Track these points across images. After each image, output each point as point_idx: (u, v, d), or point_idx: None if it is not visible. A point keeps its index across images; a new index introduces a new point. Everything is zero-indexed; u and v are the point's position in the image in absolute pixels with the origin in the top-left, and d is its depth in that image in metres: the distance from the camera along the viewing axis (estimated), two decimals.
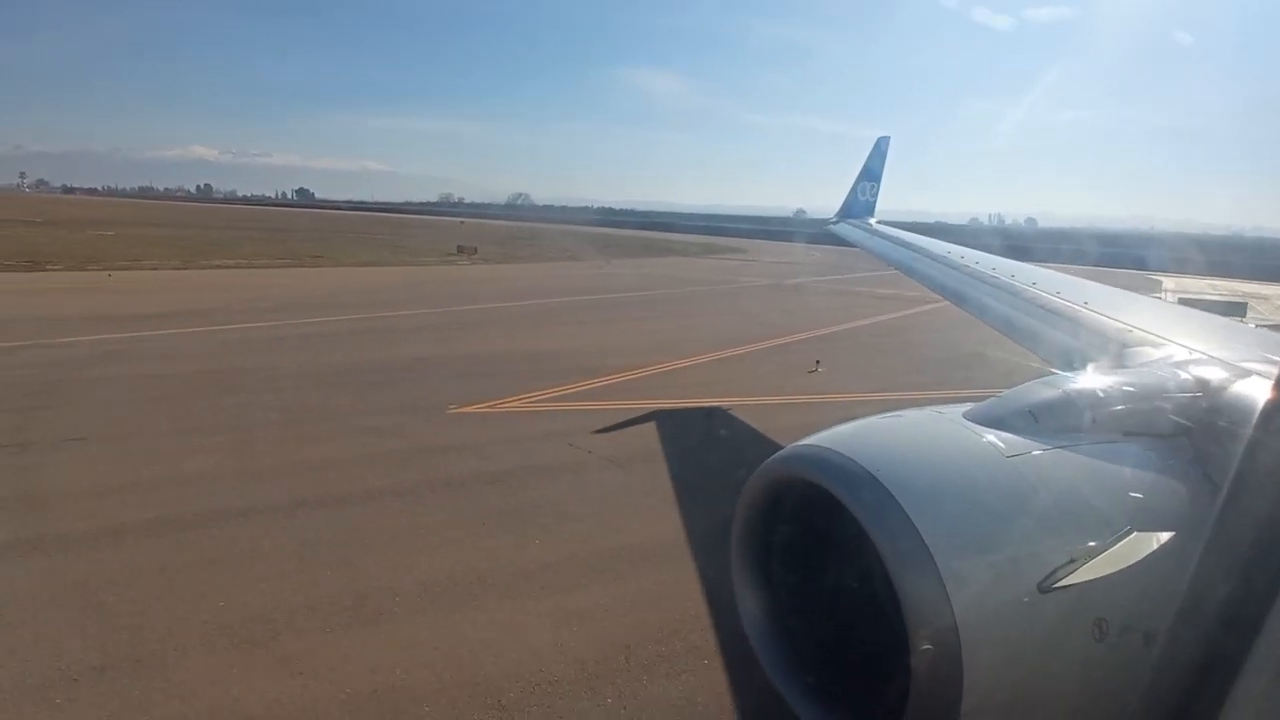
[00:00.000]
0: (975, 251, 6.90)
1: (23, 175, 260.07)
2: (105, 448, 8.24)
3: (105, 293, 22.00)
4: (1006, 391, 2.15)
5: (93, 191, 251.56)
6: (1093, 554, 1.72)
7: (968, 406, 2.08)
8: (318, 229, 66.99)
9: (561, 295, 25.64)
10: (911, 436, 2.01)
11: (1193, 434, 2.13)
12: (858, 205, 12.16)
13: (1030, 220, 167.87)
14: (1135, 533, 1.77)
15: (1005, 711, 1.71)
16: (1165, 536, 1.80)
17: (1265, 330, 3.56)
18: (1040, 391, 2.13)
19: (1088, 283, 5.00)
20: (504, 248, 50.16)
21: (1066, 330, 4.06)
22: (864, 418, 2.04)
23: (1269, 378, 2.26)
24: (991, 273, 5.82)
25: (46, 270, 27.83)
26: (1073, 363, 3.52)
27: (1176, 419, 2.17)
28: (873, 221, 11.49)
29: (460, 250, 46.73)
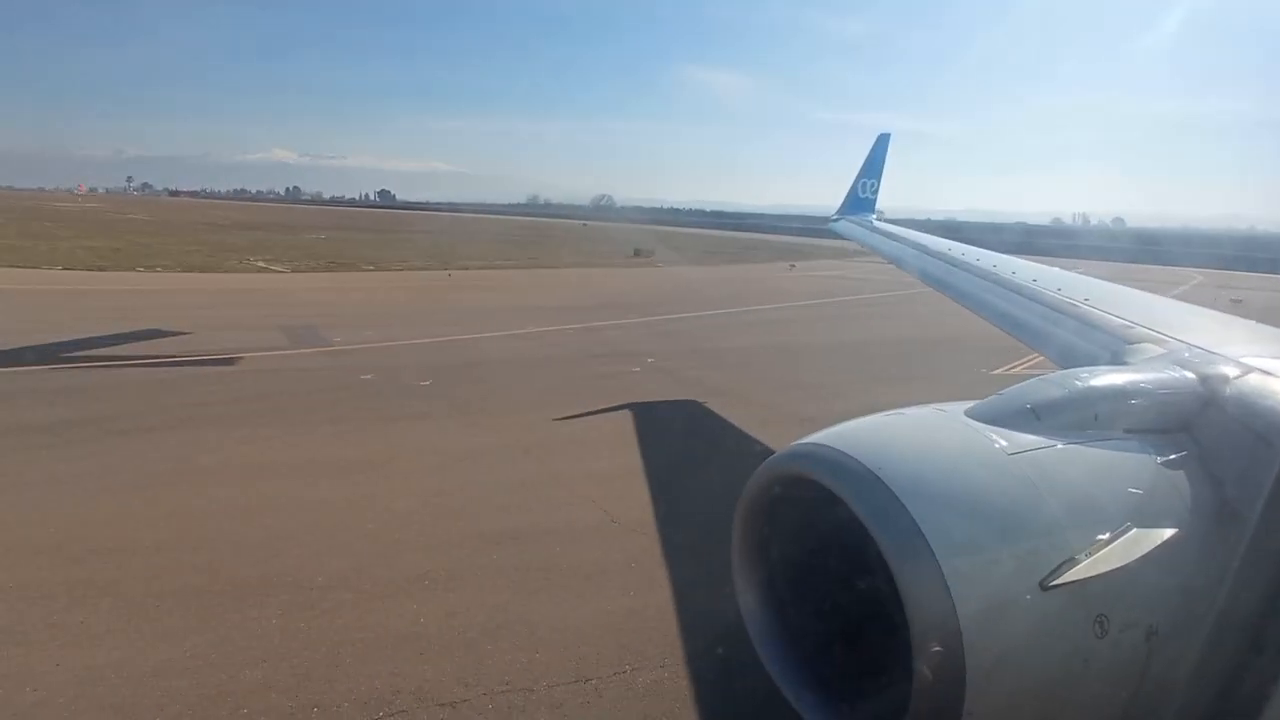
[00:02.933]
0: (973, 248, 6.99)
1: (129, 179, 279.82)
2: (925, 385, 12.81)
3: (481, 289, 26.75)
4: (1008, 389, 2.18)
5: (195, 194, 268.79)
6: (1094, 551, 1.74)
7: (970, 404, 2.11)
8: (472, 232, 71.95)
9: (821, 297, 29.08)
10: (914, 435, 2.04)
11: (1194, 430, 2.16)
12: (858, 202, 12.21)
13: (1118, 220, 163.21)
14: (1135, 529, 1.80)
15: (1008, 708, 1.72)
16: (1167, 533, 1.82)
17: (1265, 326, 3.67)
18: (1042, 389, 2.16)
19: (1087, 279, 5.02)
20: (662, 251, 51.85)
21: (1067, 327, 4.08)
22: (866, 416, 2.09)
23: (1270, 374, 2.29)
24: (992, 269, 5.83)
25: (362, 270, 32.93)
26: (1074, 360, 3.54)
27: (1178, 415, 2.20)
28: (873, 218, 11.60)
29: (637, 254, 50.86)
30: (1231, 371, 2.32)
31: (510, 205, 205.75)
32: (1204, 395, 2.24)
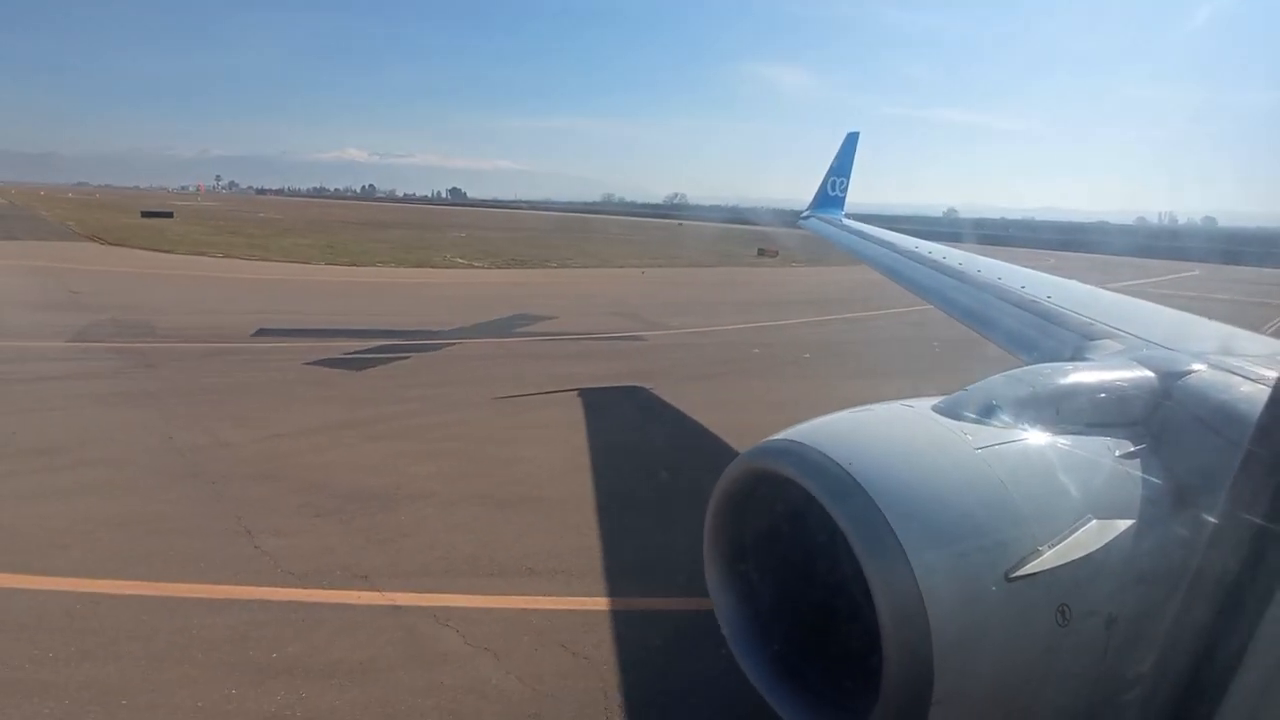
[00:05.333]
0: (942, 246, 7.19)
1: (218, 178, 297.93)
2: None
3: (688, 286, 30.20)
4: (974, 385, 2.28)
5: (279, 192, 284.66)
6: (1056, 542, 1.82)
7: (936, 399, 2.20)
8: (589, 231, 75.34)
9: None
10: (882, 430, 2.12)
11: (1152, 424, 2.28)
12: (828, 200, 12.42)
13: (1209, 219, 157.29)
14: (1095, 520, 1.89)
15: (975, 698, 1.79)
16: (1125, 524, 1.91)
17: (1220, 324, 3.84)
18: (1006, 385, 2.27)
19: (1052, 277, 5.21)
20: (774, 249, 52.93)
21: (1031, 324, 4.20)
22: (835, 412, 2.18)
23: (1223, 369, 2.41)
24: (959, 267, 5.99)
25: (550, 267, 36.72)
26: (1037, 355, 3.67)
27: (1137, 410, 2.31)
28: (842, 216, 11.87)
29: (761, 253, 53.86)
30: (1187, 367, 2.43)
31: (587, 204, 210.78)
32: (1161, 390, 2.35)
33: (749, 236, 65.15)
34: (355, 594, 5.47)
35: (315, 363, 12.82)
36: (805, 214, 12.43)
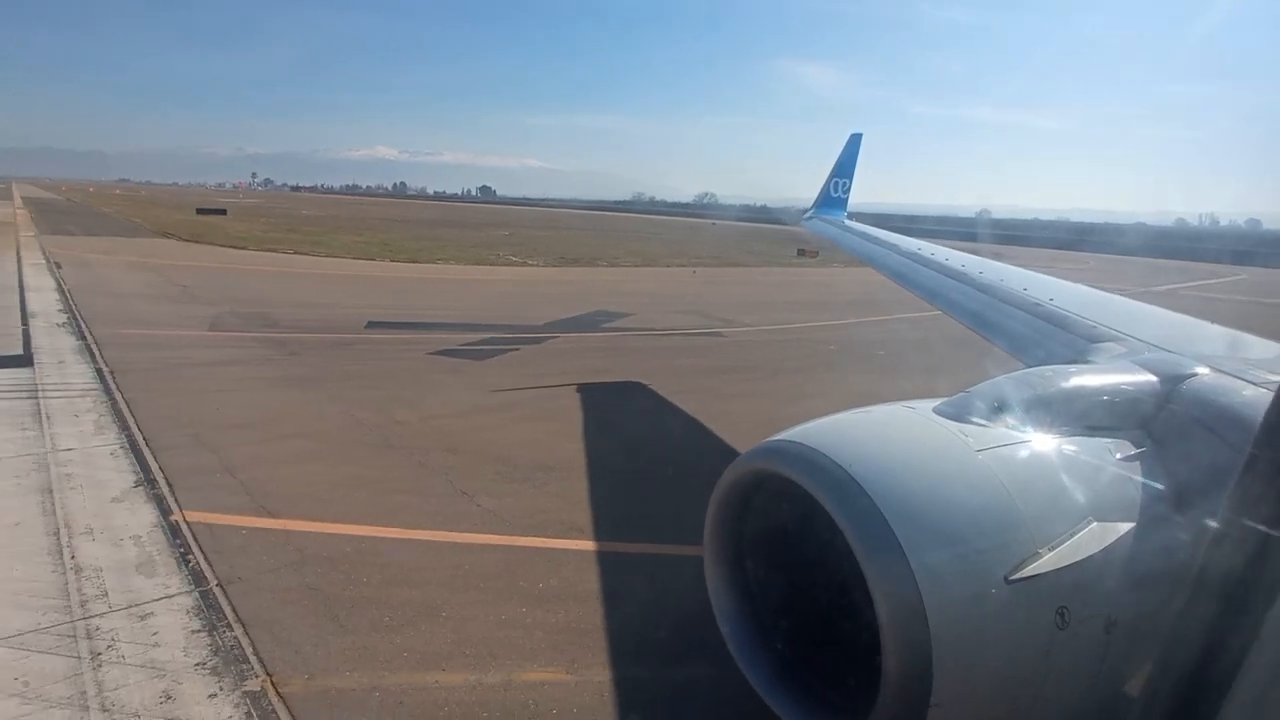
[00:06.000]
0: (943, 248, 7.17)
1: (254, 175, 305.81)
2: None
3: (741, 285, 31.22)
4: (975, 387, 2.30)
5: (313, 189, 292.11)
6: (1056, 545, 1.83)
7: (938, 401, 2.23)
8: (629, 231, 76.18)
9: None
10: (883, 431, 2.13)
11: (1151, 427, 2.28)
12: (831, 201, 12.45)
13: (1253, 221, 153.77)
14: (1095, 523, 1.90)
15: (974, 700, 1.79)
16: (1125, 527, 1.93)
17: (1222, 327, 3.79)
18: (1008, 387, 2.28)
19: (1053, 279, 5.21)
20: (814, 250, 52.83)
21: (1032, 326, 4.19)
22: (837, 413, 2.20)
23: (1225, 373, 2.42)
24: (960, 268, 5.96)
25: (602, 266, 37.92)
26: (1039, 358, 3.67)
27: (1138, 413, 2.32)
28: (844, 217, 11.83)
29: (801, 253, 54.41)
30: (1188, 371, 2.44)
31: (618, 202, 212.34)
32: (1162, 394, 2.36)
33: (781, 236, 65.41)
34: (577, 543, 6.52)
35: (438, 353, 13.99)
36: (808, 214, 12.52)
